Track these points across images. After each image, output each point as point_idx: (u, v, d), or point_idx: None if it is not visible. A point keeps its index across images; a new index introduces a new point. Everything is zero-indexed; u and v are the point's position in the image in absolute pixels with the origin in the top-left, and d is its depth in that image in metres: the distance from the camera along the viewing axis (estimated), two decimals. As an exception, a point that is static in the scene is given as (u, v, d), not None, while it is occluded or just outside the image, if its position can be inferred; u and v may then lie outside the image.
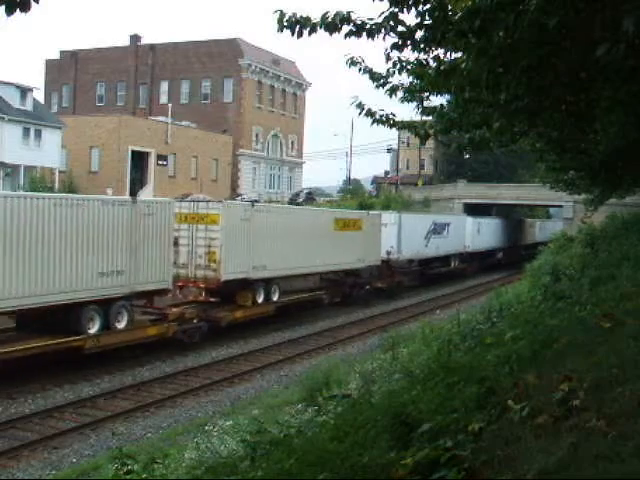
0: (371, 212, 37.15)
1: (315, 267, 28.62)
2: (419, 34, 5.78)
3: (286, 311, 26.97)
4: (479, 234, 48.26)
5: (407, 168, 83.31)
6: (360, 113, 8.07)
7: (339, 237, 29.61)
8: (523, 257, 58.17)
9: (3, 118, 40.79)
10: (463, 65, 6.18)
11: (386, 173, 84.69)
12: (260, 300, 24.93)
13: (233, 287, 23.75)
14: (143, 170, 50.60)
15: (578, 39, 5.27)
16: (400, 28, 5.66)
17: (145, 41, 65.45)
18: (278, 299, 26.16)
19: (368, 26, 5.57)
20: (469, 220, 47.25)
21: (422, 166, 78.29)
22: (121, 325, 19.01)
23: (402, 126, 9.15)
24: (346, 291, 32.23)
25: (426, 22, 5.58)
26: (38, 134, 43.32)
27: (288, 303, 27.20)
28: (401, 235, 36.00)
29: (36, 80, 69.30)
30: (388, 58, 6.46)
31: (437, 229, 41.31)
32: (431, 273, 41.29)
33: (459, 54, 6.33)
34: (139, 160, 49.93)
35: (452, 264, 44.91)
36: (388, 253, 34.69)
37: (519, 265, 50.40)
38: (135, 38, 65.13)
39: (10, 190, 37.59)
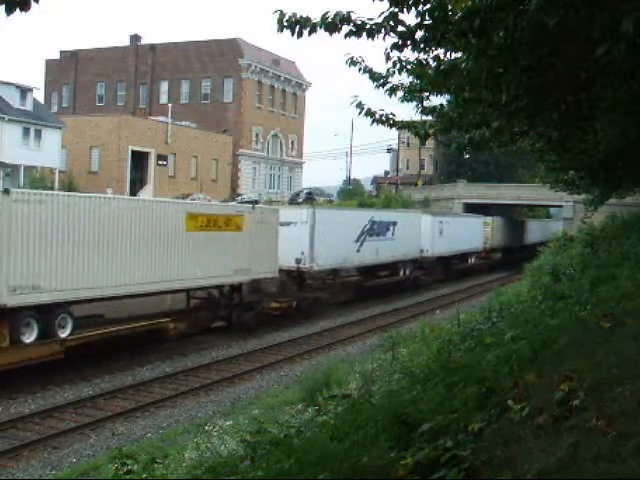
0: (262, 206, 31.12)
1: (153, 284, 19.96)
2: (419, 34, 5.78)
3: (107, 349, 19.11)
4: (442, 236, 40.64)
5: (407, 168, 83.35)
6: (360, 113, 8.07)
7: (199, 240, 21.59)
8: (509, 262, 51.93)
9: (3, 118, 40.81)
10: (463, 65, 6.18)
11: (386, 173, 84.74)
12: (30, 338, 16.70)
13: None
14: (143, 170, 50.61)
15: (578, 39, 5.27)
16: (400, 28, 5.66)
17: (145, 41, 65.53)
18: (74, 333, 17.78)
19: (368, 26, 5.57)
20: (426, 219, 39.66)
21: (422, 166, 78.31)
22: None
23: (402, 126, 9.15)
24: (221, 314, 24.14)
25: (426, 22, 5.58)
26: (38, 134, 43.33)
27: (95, 338, 18.61)
28: (315, 237, 27.52)
29: (36, 80, 69.39)
30: (388, 58, 6.46)
31: (376, 229, 33.30)
32: (369, 285, 33.84)
33: (459, 54, 6.34)
34: (139, 160, 49.93)
35: (402, 273, 36.80)
36: (298, 261, 26.98)
37: (506, 269, 47.93)
38: (135, 38, 65.16)
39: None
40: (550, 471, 3.41)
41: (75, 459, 12.91)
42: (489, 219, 50.63)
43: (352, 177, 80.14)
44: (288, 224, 27.02)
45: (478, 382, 5.12)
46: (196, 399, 16.88)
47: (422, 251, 38.36)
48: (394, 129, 9.50)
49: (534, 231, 65.14)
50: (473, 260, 48.41)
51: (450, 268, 44.07)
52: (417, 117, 10.04)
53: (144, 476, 7.48)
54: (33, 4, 3.24)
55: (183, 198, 37.67)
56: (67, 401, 16.04)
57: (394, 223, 35.44)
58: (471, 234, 46.37)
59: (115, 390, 17.02)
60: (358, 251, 31.59)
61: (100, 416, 15.11)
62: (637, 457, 3.33)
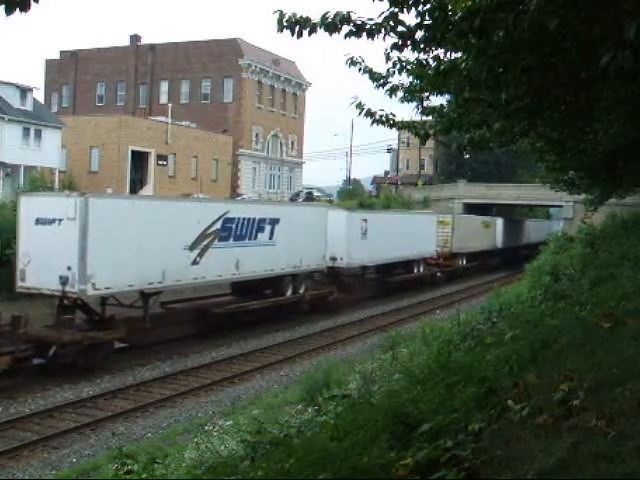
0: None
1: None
2: (419, 34, 5.78)
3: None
4: (366, 238, 31.29)
5: (407, 168, 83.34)
6: (360, 113, 8.07)
7: None
8: (486, 269, 48.34)
9: (3, 118, 40.80)
10: (463, 65, 6.18)
11: (386, 173, 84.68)
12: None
13: None
14: (143, 170, 50.61)
15: (578, 39, 5.26)
16: (400, 28, 5.67)
17: (145, 41, 65.51)
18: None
19: (368, 26, 5.57)
20: (339, 215, 30.04)
21: (422, 166, 78.29)
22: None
23: (402, 126, 9.15)
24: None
25: (426, 22, 5.59)
26: (38, 134, 43.32)
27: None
28: (90, 243, 17.73)
29: (36, 80, 69.36)
30: (388, 58, 6.47)
31: (235, 230, 23.18)
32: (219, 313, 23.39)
33: (459, 54, 6.34)
34: (139, 160, 49.93)
35: (290, 291, 26.60)
36: (63, 282, 17.63)
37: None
38: (135, 38, 65.16)
39: (10, 190, 37.67)
40: (550, 471, 3.41)
41: (75, 459, 12.91)
42: (448, 217, 43.73)
43: (352, 177, 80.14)
44: (47, 222, 18.13)
45: (478, 382, 5.12)
46: (196, 399, 16.88)
47: (334, 259, 29.19)
48: (394, 129, 9.51)
49: (531, 232, 62.85)
50: (421, 269, 38.82)
51: (385, 281, 35.18)
52: (417, 117, 10.04)
53: (144, 476, 7.47)
54: (33, 4, 3.24)
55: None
56: (67, 401, 16.04)
57: (274, 221, 25.12)
58: (418, 236, 37.09)
59: (115, 390, 17.02)
60: (196, 263, 21.19)
61: (100, 416, 15.11)
62: (637, 457, 3.33)
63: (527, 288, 20.19)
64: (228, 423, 11.92)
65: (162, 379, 18.32)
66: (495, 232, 52.00)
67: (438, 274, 41.45)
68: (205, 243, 21.75)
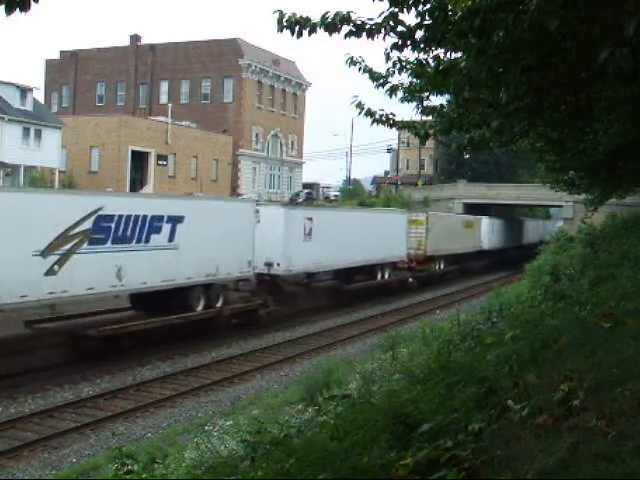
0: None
1: None
2: (419, 34, 5.78)
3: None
4: (311, 239, 26.69)
5: (407, 168, 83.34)
6: (360, 113, 8.07)
7: None
8: (471, 272, 45.50)
9: (3, 118, 40.83)
10: (463, 64, 6.18)
11: (386, 173, 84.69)
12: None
13: None
14: (143, 170, 50.63)
15: (578, 39, 5.26)
16: (400, 28, 5.67)
17: (145, 41, 65.56)
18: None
19: (368, 26, 5.57)
20: (273, 212, 25.71)
21: (422, 166, 78.29)
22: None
23: (402, 126, 9.14)
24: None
25: (426, 22, 5.59)
26: (38, 134, 43.35)
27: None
28: None
29: (36, 80, 69.39)
30: (388, 58, 6.47)
31: (116, 231, 18.56)
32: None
33: (459, 54, 6.34)
34: (139, 160, 49.95)
35: (201, 305, 22.05)
36: None
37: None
38: (135, 38, 65.20)
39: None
40: (550, 471, 3.41)
41: (75, 459, 12.90)
42: (422, 216, 39.12)
43: (352, 177, 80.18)
44: None
45: (478, 382, 5.12)
46: (196, 399, 16.88)
47: (270, 265, 24.71)
48: (394, 129, 9.51)
49: (525, 232, 60.19)
50: (387, 275, 34.72)
51: (340, 289, 30.54)
52: (417, 117, 10.04)
53: (144, 476, 7.48)
54: (33, 4, 3.24)
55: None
56: (67, 401, 16.03)
57: (175, 220, 20.53)
58: (384, 237, 32.66)
59: (115, 390, 17.01)
60: (52, 273, 16.56)
61: (100, 416, 15.10)
62: (637, 457, 3.33)
63: (527, 288, 20.20)
64: (228, 423, 11.92)
65: (162, 379, 18.32)
66: (480, 232, 48.10)
67: (410, 280, 37.00)
68: (67, 247, 16.96)
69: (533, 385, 4.86)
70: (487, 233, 49.15)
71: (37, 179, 40.61)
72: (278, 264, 25.12)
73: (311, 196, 56.32)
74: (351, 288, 30.95)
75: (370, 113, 8.19)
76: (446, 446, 3.89)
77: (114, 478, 7.46)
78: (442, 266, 41.83)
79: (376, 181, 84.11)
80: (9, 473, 12.16)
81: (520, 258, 52.30)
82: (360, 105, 7.98)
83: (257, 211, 24.60)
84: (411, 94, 8.00)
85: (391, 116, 8.46)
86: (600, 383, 4.57)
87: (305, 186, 61.94)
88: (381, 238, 32.28)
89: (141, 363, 19.47)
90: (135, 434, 14.28)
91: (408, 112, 9.17)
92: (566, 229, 42.17)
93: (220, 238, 21.82)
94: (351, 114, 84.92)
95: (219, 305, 22.74)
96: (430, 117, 9.66)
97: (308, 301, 28.24)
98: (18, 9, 3.22)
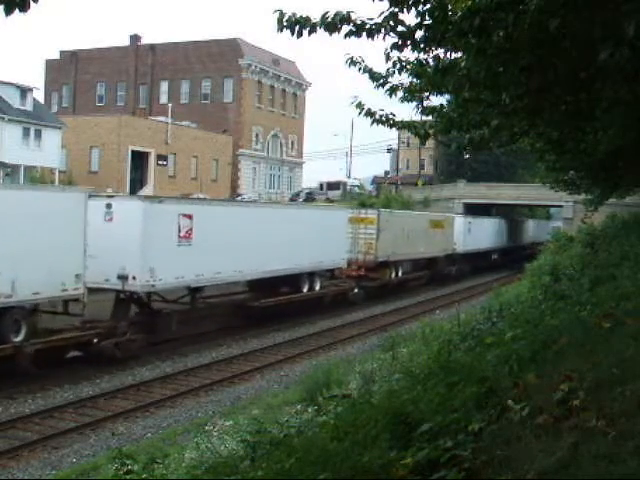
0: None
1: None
2: (419, 34, 5.78)
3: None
4: (192, 244, 20.65)
5: (407, 168, 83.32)
6: (360, 113, 8.06)
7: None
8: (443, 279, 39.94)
9: (3, 118, 40.83)
10: (463, 64, 6.18)
11: (386, 173, 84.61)
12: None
13: None
14: (143, 170, 50.64)
15: (578, 39, 5.26)
16: (400, 28, 5.66)
17: (145, 41, 65.54)
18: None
19: (368, 26, 5.58)
20: (135, 208, 19.57)
21: (422, 166, 78.26)
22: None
23: (402, 126, 9.13)
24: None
25: (426, 22, 5.59)
26: (38, 134, 43.34)
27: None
28: None
29: (36, 80, 69.38)
30: (388, 58, 6.46)
31: None
32: None
33: (459, 54, 6.34)
34: (139, 160, 49.96)
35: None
36: None
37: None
38: (135, 38, 65.19)
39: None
40: (550, 471, 3.41)
41: (75, 459, 12.90)
42: (372, 213, 33.41)
43: (352, 177, 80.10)
44: None
45: (478, 382, 5.12)
46: (196, 399, 16.87)
47: (123, 279, 18.91)
48: (394, 129, 9.50)
49: (513, 233, 54.90)
50: (318, 286, 28.53)
51: (250, 307, 24.44)
52: (417, 117, 10.04)
53: (144, 476, 7.47)
54: (32, 4, 3.24)
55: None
56: (67, 401, 16.03)
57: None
58: (313, 239, 26.62)
59: (115, 390, 17.01)
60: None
61: (100, 416, 15.11)
62: (637, 457, 3.33)
63: (527, 288, 20.19)
64: (228, 423, 11.93)
65: (162, 379, 18.31)
66: (453, 233, 41.78)
67: (355, 290, 31.05)
68: None
69: (533, 385, 4.86)
70: (462, 234, 42.66)
71: (37, 179, 40.60)
72: (134, 277, 18.99)
73: (311, 196, 56.17)
74: (262, 305, 24.46)
75: (370, 113, 8.19)
76: (446, 446, 3.89)
77: (114, 478, 7.45)
78: (400, 273, 35.22)
79: (376, 181, 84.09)
80: (9, 473, 12.17)
81: (506, 262, 48.97)
82: (360, 105, 7.98)
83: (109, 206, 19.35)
84: (411, 94, 7.99)
85: (391, 116, 8.45)
86: (600, 383, 4.57)
87: (330, 185, 61.21)
88: (310, 240, 26.28)
89: (141, 363, 19.47)
90: (135, 434, 14.28)
91: (408, 112, 9.17)
92: (565, 229, 42.12)
93: (17, 243, 16.04)
94: (351, 114, 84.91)
95: (19, 339, 16.60)
96: (430, 117, 9.65)
97: (192, 325, 22.12)
98: (17, 9, 3.22)
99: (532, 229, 62.12)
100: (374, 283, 32.78)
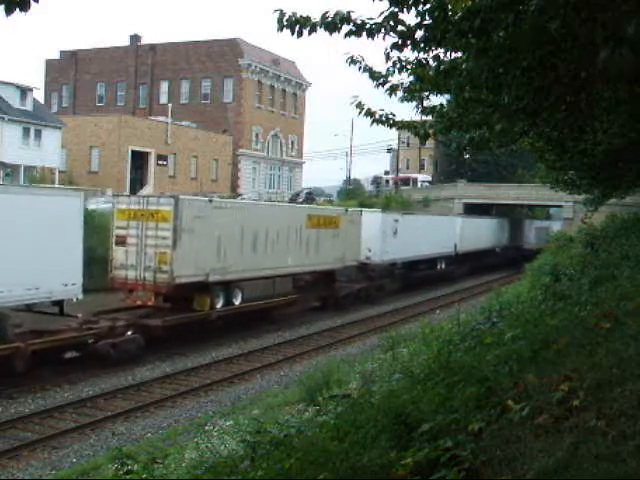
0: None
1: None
2: (419, 34, 5.78)
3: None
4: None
5: (407, 168, 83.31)
6: (360, 113, 8.06)
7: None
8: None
9: (3, 118, 40.83)
10: (463, 65, 6.18)
11: (386, 173, 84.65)
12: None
13: None
14: (143, 170, 50.63)
15: (579, 40, 5.26)
16: (400, 28, 5.66)
17: (145, 41, 65.53)
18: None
19: (368, 26, 5.58)
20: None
21: (422, 166, 78.30)
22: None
23: (402, 126, 9.12)
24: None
25: (426, 22, 5.59)
26: (38, 134, 43.34)
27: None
28: None
29: (36, 80, 69.42)
30: (388, 58, 6.46)
31: None
32: None
33: (459, 54, 6.34)
34: (139, 160, 49.95)
35: None
36: None
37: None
38: (135, 38, 65.18)
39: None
40: (550, 471, 3.41)
41: (75, 459, 12.91)
42: (164, 203, 20.78)
43: (352, 177, 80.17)
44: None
45: (478, 382, 5.11)
46: (196, 399, 16.88)
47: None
48: (394, 129, 9.49)
49: (487, 236, 46.52)
50: (10, 335, 16.74)
51: None
52: (417, 117, 10.03)
53: (144, 476, 7.46)
54: (33, 4, 3.24)
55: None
56: (67, 401, 16.04)
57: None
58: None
59: (115, 390, 17.01)
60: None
61: (100, 416, 15.11)
62: (637, 457, 3.33)
63: (527, 288, 20.19)
64: (228, 423, 11.93)
65: (162, 379, 18.32)
66: (360, 236, 30.28)
67: (128, 335, 19.24)
68: None
69: (533, 385, 4.86)
70: (379, 237, 31.84)
71: (37, 179, 40.59)
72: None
73: (311, 196, 56.14)
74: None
75: (370, 113, 8.18)
76: (446, 446, 3.88)
77: (114, 478, 7.45)
78: (239, 300, 23.21)
79: (376, 181, 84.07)
80: (9, 473, 12.17)
81: (459, 276, 42.08)
82: (360, 105, 7.97)
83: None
84: (411, 94, 7.98)
85: (391, 116, 8.45)
86: (600, 383, 4.56)
87: (374, 180, 61.73)
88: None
89: (141, 363, 19.47)
90: (135, 434, 14.28)
91: (408, 112, 9.17)
92: (566, 229, 42.08)
93: None
94: (351, 114, 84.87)
95: None
96: (430, 117, 9.65)
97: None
98: (18, 9, 3.22)
99: (510, 230, 53.43)
100: (171, 319, 20.65)
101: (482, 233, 47.74)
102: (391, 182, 65.32)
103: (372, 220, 31.70)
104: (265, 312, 25.56)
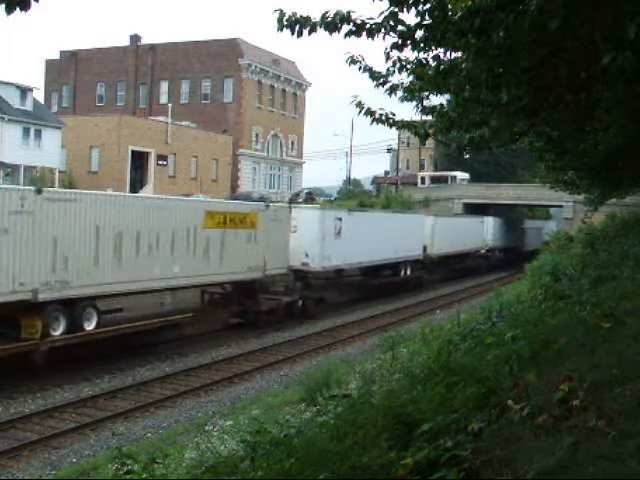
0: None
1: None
2: (419, 34, 5.78)
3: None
4: None
5: (407, 168, 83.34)
6: (360, 112, 8.05)
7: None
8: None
9: (3, 118, 40.83)
10: (463, 65, 6.18)
11: (386, 173, 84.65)
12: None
13: None
14: (143, 170, 50.62)
15: (579, 39, 5.26)
16: (400, 28, 5.66)
17: (145, 41, 65.54)
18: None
19: (368, 26, 5.58)
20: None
21: (422, 166, 78.28)
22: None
23: (402, 126, 9.11)
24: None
25: (426, 22, 5.58)
26: (38, 134, 43.34)
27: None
28: None
29: (36, 80, 69.43)
30: (388, 57, 6.46)
31: None
32: None
33: (459, 54, 6.33)
34: (139, 160, 49.95)
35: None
36: None
37: None
38: (135, 38, 65.20)
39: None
40: (550, 471, 3.41)
41: (75, 459, 12.91)
42: (17, 193, 15.94)
43: (352, 177, 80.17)
44: None
45: (478, 382, 5.11)
46: (196, 399, 16.88)
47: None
48: (394, 129, 9.48)
49: (468, 237, 41.90)
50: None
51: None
52: (417, 117, 10.02)
53: (144, 476, 7.46)
54: (33, 4, 3.24)
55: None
56: (67, 401, 16.04)
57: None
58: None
59: (115, 390, 17.02)
60: None
61: (100, 416, 15.12)
62: (637, 457, 3.32)
63: (527, 288, 20.18)
64: (228, 423, 11.93)
65: (162, 379, 18.32)
66: (287, 237, 25.70)
67: None
68: None
69: (533, 385, 4.86)
70: (316, 240, 26.75)
71: (37, 179, 40.58)
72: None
73: (311, 196, 56.08)
74: None
75: (370, 112, 8.17)
76: (446, 446, 3.88)
77: (114, 478, 7.44)
78: (94, 324, 18.47)
79: (376, 181, 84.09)
80: (9, 473, 12.17)
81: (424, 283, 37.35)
82: (360, 105, 7.96)
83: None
84: (411, 93, 7.98)
85: (391, 116, 8.44)
86: (600, 383, 4.56)
87: (433, 178, 60.89)
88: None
89: (141, 363, 19.48)
90: (135, 434, 14.28)
91: (408, 112, 9.16)
92: (566, 229, 42.07)
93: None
94: (351, 114, 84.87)
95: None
96: (430, 117, 9.64)
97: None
98: (18, 8, 3.22)
99: (482, 231, 46.42)
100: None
101: (461, 234, 42.43)
102: (427, 181, 63.39)
103: (308, 218, 26.21)
104: (153, 336, 20.42)
